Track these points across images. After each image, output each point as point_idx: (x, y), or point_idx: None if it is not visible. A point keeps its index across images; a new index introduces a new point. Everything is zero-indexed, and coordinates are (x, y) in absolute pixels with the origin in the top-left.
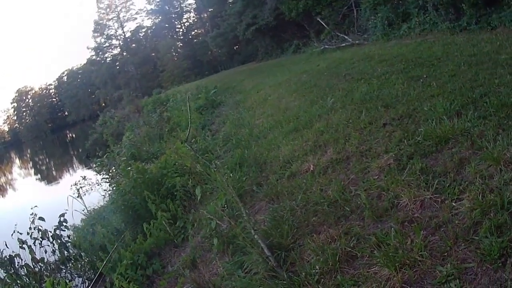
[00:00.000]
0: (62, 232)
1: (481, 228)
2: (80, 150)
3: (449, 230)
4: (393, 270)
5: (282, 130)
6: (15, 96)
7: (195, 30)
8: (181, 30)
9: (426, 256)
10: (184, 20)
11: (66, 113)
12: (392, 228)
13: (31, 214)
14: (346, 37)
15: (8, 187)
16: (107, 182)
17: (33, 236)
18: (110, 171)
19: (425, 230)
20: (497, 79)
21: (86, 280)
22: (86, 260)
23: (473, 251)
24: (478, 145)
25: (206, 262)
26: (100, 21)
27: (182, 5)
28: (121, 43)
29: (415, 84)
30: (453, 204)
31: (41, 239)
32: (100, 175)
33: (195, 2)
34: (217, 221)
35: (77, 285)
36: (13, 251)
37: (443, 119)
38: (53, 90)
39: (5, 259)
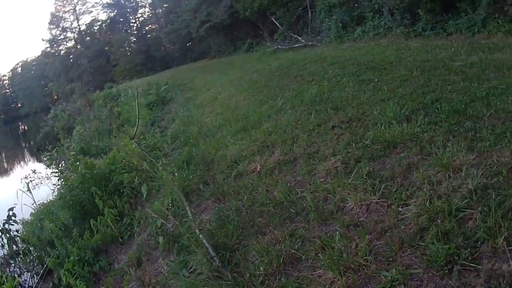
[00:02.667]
0: (11, 227)
1: (428, 234)
2: (31, 143)
3: (395, 235)
4: (337, 274)
5: (231, 129)
6: None
7: (149, 26)
8: (135, 25)
9: (371, 261)
10: (139, 15)
11: (19, 105)
12: (337, 232)
13: None
14: (299, 38)
15: None
16: (57, 177)
17: None
18: (60, 165)
19: (371, 234)
20: (450, 86)
21: (34, 275)
22: (34, 255)
23: (419, 257)
24: (427, 150)
25: (151, 261)
26: (57, 13)
27: (137, 0)
28: (76, 36)
29: (366, 87)
30: (400, 209)
31: None
32: (50, 169)
33: None
34: (162, 221)
35: (25, 280)
36: None
37: (393, 124)
38: (7, 81)
39: None
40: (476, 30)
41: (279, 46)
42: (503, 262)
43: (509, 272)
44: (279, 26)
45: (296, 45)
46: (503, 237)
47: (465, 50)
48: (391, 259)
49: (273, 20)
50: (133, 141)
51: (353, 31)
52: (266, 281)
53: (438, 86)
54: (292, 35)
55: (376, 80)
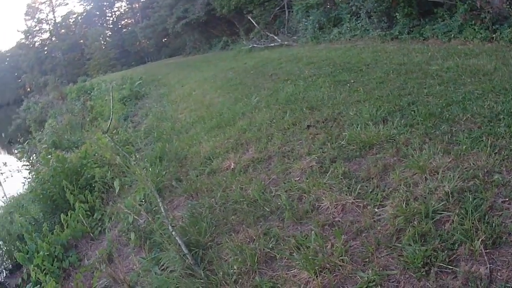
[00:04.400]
0: None
1: (404, 235)
2: (3, 135)
3: (371, 236)
4: (312, 274)
5: (205, 126)
6: None
7: (125, 20)
8: (111, 18)
9: (347, 261)
10: (115, 9)
11: None
12: (312, 231)
13: None
14: (275, 37)
15: None
16: (28, 170)
17: None
18: (31, 158)
19: (346, 234)
20: (426, 89)
21: (4, 270)
22: (4, 250)
23: (396, 258)
24: (404, 152)
25: (122, 257)
26: (33, 4)
27: None
28: (51, 28)
29: (342, 88)
30: (376, 210)
31: None
32: (21, 161)
33: None
34: (134, 216)
35: None
36: None
37: (369, 125)
38: None
39: None
40: (453, 35)
41: (255, 45)
42: (480, 265)
43: (487, 275)
44: (256, 25)
45: (272, 44)
46: (480, 239)
47: (442, 55)
48: (367, 259)
49: (250, 18)
50: (106, 135)
51: (330, 32)
52: (240, 280)
53: (415, 89)
54: (268, 34)
55: (352, 81)
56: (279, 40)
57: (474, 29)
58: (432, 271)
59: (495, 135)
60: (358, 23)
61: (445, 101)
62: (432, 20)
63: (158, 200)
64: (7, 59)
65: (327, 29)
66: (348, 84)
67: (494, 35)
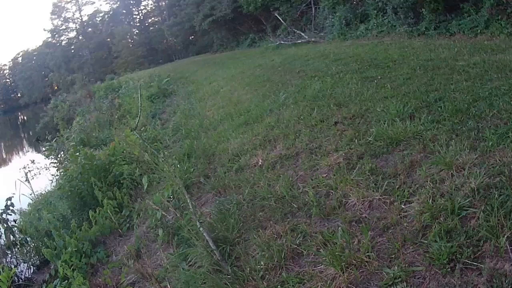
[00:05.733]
0: (8, 216)
1: (430, 232)
2: (30, 133)
3: (397, 232)
4: (339, 270)
5: (233, 122)
6: None
7: (152, 18)
8: (138, 17)
9: (373, 257)
10: (142, 7)
11: (19, 95)
12: (339, 227)
13: None
14: (302, 34)
15: None
16: (55, 167)
17: None
18: (59, 156)
19: (373, 231)
20: (453, 85)
21: (31, 266)
22: (32, 246)
23: (422, 255)
24: (430, 148)
25: (150, 253)
26: (59, 3)
27: None
28: (78, 27)
29: (369, 84)
30: (402, 206)
31: None
32: (48, 159)
33: None
34: (163, 212)
35: (22, 271)
36: None
37: (396, 121)
38: (8, 70)
39: None
40: (479, 31)
41: (282, 42)
42: (505, 262)
43: (511, 272)
44: (282, 22)
45: (299, 41)
46: (505, 236)
47: (468, 51)
48: (393, 256)
49: (276, 15)
50: (134, 133)
51: (357, 29)
52: (267, 276)
53: (441, 85)
54: (295, 31)
55: (380, 77)
56: (306, 37)
57: (501, 24)
58: (457, 267)
59: None
60: (385, 19)
61: (472, 97)
62: (458, 15)
63: (186, 197)
64: (34, 58)
65: (353, 26)
66: (375, 81)
67: None
